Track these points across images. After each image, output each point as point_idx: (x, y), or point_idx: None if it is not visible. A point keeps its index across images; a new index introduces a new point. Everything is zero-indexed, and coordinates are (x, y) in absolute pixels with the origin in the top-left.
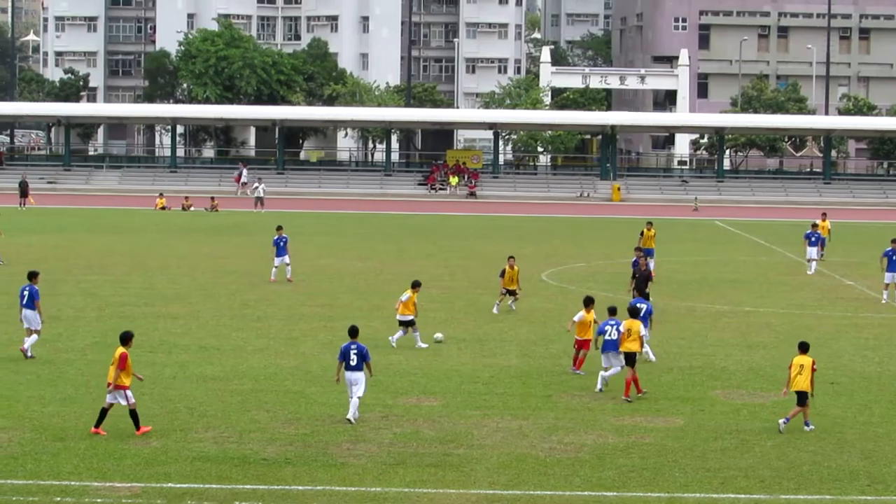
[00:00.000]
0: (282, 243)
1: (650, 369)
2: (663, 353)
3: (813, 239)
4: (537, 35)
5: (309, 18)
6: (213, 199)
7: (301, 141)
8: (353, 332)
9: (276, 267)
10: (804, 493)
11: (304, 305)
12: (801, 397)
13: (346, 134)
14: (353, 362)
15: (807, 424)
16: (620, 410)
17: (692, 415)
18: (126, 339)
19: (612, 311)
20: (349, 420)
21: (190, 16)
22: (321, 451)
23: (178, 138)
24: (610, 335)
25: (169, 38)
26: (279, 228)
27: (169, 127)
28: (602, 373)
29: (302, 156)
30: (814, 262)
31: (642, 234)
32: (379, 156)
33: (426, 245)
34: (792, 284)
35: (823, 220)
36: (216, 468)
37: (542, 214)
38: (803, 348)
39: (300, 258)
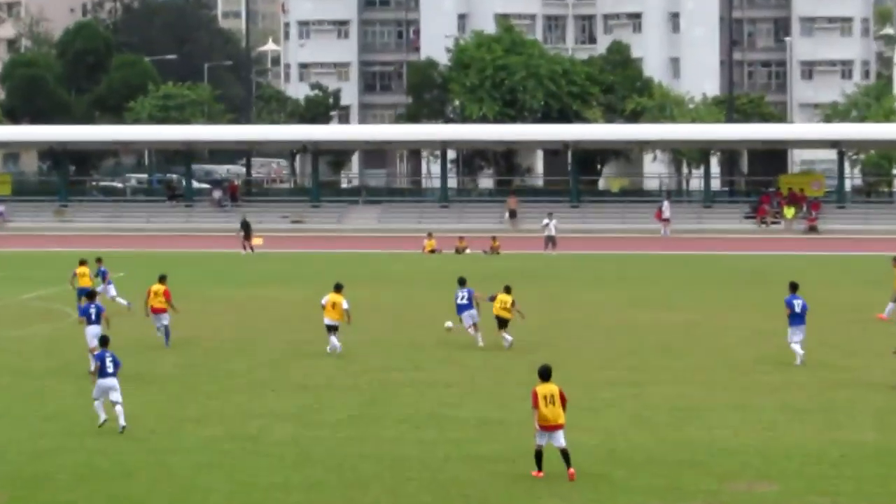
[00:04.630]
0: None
1: None
2: None
3: None
4: (889, 31)
5: (606, 17)
6: (493, 239)
7: (599, 166)
8: (104, 341)
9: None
10: None
11: (608, 369)
12: None
13: (655, 157)
14: (110, 370)
15: None
16: None
17: None
18: (548, 372)
19: None
20: (123, 427)
21: (461, 17)
22: None
23: (449, 166)
24: None
25: (436, 45)
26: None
27: (438, 152)
28: None
29: (601, 185)
30: None
31: None
32: (695, 183)
33: (759, 292)
34: None
35: None
36: None
37: None
38: None
39: (602, 312)
